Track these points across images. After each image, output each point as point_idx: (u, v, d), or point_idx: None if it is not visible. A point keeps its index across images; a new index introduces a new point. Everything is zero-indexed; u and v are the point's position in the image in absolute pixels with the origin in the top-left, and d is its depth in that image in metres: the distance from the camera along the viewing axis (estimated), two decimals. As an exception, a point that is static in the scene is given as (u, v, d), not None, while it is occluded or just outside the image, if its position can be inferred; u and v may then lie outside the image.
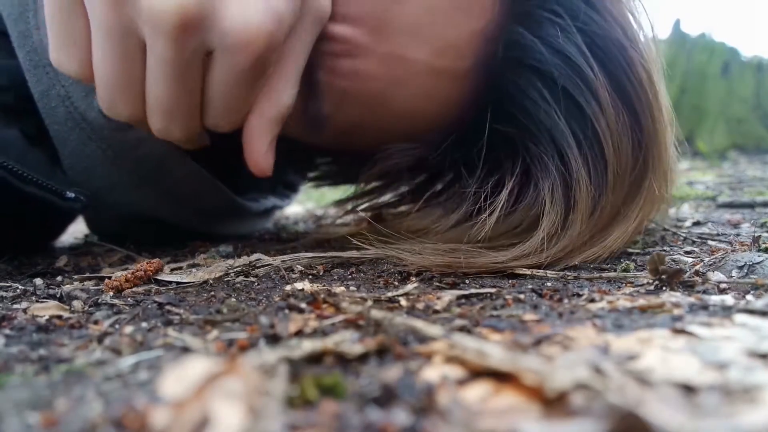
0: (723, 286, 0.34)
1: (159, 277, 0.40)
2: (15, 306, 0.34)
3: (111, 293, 0.37)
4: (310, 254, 0.45)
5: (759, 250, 0.42)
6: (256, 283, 0.39)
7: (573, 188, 0.42)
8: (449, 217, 0.48)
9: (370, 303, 0.31)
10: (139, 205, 0.53)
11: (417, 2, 0.41)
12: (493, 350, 0.21)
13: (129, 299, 0.35)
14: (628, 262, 0.41)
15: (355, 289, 0.36)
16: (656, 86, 0.43)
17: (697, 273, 0.36)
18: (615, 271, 0.40)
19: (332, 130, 0.47)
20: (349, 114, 0.46)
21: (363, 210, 0.55)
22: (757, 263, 0.37)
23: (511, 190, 0.44)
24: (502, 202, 0.43)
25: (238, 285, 0.38)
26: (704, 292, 0.33)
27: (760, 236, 0.45)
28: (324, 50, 0.42)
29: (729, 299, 0.30)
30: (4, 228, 0.51)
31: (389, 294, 0.34)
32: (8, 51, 0.49)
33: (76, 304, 0.34)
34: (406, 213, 0.54)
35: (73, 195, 0.46)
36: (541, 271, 0.40)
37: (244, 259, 0.43)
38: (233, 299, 0.34)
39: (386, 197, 0.55)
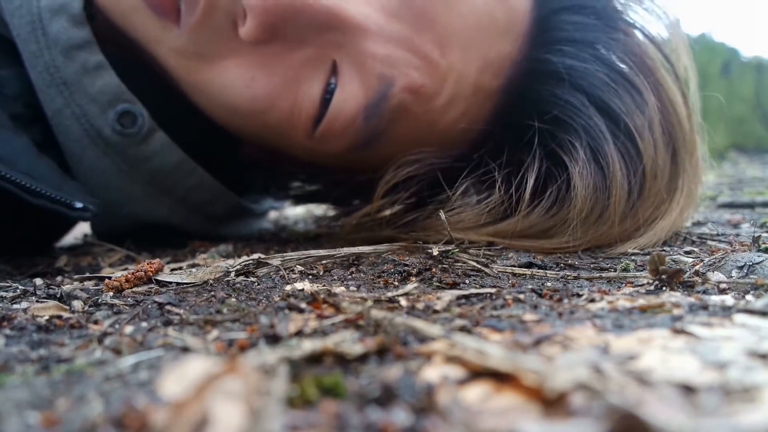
0: (723, 286, 0.33)
1: (159, 277, 0.40)
2: (15, 306, 0.34)
3: (111, 293, 0.37)
4: (321, 252, 0.45)
5: (759, 250, 0.42)
6: (256, 283, 0.39)
7: (608, 178, 0.45)
8: (481, 213, 0.50)
9: (370, 303, 0.31)
10: (153, 214, 0.55)
11: (471, 18, 0.44)
12: (493, 350, 0.21)
13: (129, 299, 0.35)
14: (628, 262, 0.41)
15: (355, 289, 0.36)
16: (683, 90, 0.47)
17: (697, 273, 0.36)
18: (615, 271, 0.40)
19: (381, 148, 0.49)
20: (402, 129, 0.48)
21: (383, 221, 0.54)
22: (757, 263, 0.37)
23: (539, 172, 0.47)
24: (531, 183, 0.46)
25: (238, 285, 0.38)
26: (704, 292, 0.33)
27: (760, 236, 0.45)
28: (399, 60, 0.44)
29: (729, 299, 0.30)
30: (8, 231, 0.51)
31: (389, 294, 0.34)
32: (15, 58, 0.50)
33: (76, 304, 0.34)
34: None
35: (81, 205, 0.46)
36: (541, 271, 0.40)
37: (244, 259, 0.43)
38: (233, 299, 0.34)
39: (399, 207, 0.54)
